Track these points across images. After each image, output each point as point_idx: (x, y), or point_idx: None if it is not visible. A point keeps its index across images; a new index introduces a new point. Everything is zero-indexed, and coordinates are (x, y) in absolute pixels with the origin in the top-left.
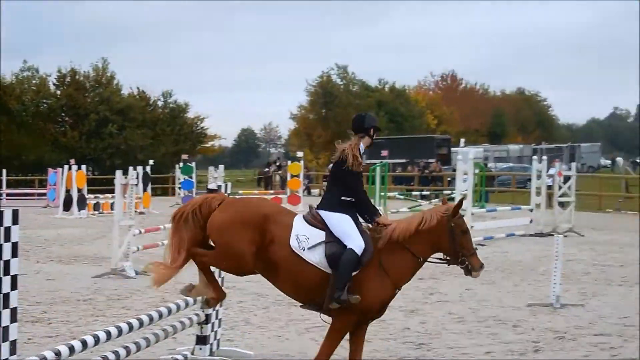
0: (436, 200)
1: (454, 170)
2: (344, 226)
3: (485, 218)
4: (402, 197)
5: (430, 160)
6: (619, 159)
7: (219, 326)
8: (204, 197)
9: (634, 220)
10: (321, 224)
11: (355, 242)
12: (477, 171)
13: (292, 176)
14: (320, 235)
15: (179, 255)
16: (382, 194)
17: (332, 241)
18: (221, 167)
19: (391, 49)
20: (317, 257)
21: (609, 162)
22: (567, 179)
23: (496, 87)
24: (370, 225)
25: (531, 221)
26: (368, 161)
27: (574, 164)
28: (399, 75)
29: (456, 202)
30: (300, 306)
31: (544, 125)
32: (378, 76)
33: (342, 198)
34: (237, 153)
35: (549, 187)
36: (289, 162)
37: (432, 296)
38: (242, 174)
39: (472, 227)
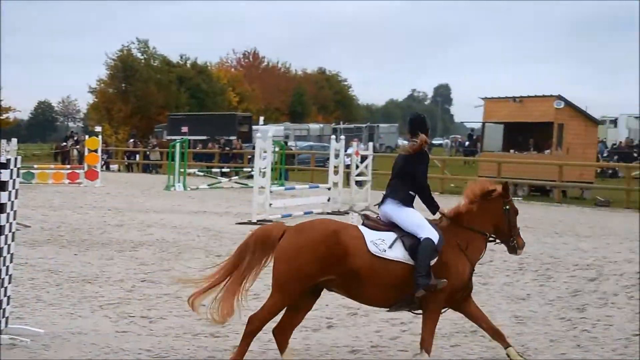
0: (236, 177)
1: (255, 148)
2: (415, 219)
3: (285, 196)
4: (202, 174)
5: (231, 138)
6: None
7: (8, 304)
8: (263, 229)
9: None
10: (385, 226)
11: (429, 231)
12: (276, 149)
13: (90, 151)
14: (391, 234)
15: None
16: (182, 170)
17: (406, 235)
18: (14, 140)
19: (194, 26)
20: (400, 253)
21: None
22: (364, 158)
23: (298, 66)
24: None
25: (329, 199)
26: (168, 137)
27: (371, 144)
28: (201, 53)
29: (494, 186)
30: (388, 310)
31: (344, 105)
32: (180, 52)
33: (410, 192)
34: (34, 126)
35: (347, 166)
36: (87, 136)
37: None
38: (38, 147)
39: (270, 204)
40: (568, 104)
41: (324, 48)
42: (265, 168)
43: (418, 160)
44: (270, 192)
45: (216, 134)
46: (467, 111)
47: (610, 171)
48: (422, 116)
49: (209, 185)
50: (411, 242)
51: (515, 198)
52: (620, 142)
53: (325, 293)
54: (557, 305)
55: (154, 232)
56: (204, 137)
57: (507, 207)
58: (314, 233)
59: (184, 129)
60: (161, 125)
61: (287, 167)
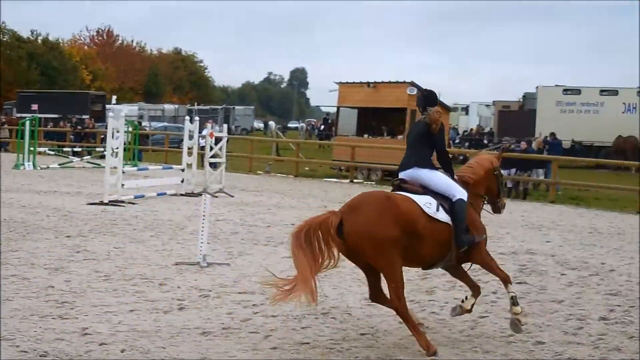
0: (88, 157)
1: (107, 128)
2: (446, 180)
3: (137, 177)
4: (52, 152)
5: (83, 117)
6: (272, 123)
7: None
8: (321, 217)
9: (282, 182)
10: (421, 189)
11: (460, 191)
12: (130, 129)
13: None
14: (430, 197)
15: (303, 283)
16: (32, 149)
17: (440, 196)
18: None
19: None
20: (444, 216)
21: (262, 125)
22: (218, 140)
23: (153, 46)
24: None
25: (182, 181)
26: (18, 115)
27: (225, 126)
28: (52, 29)
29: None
30: (426, 269)
31: (199, 86)
32: (31, 27)
33: (431, 157)
34: None
35: (202, 148)
36: None
37: (79, 254)
38: None
39: (123, 185)
40: (421, 90)
41: (180, 28)
42: (117, 148)
43: (432, 130)
44: (123, 172)
45: (68, 113)
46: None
47: (461, 157)
48: (434, 92)
49: (60, 164)
50: (448, 204)
51: (369, 182)
52: (472, 129)
53: (177, 275)
54: (406, 288)
55: (1, 212)
56: (56, 116)
57: (497, 172)
58: (374, 205)
59: (34, 107)
60: (10, 103)
61: (140, 147)
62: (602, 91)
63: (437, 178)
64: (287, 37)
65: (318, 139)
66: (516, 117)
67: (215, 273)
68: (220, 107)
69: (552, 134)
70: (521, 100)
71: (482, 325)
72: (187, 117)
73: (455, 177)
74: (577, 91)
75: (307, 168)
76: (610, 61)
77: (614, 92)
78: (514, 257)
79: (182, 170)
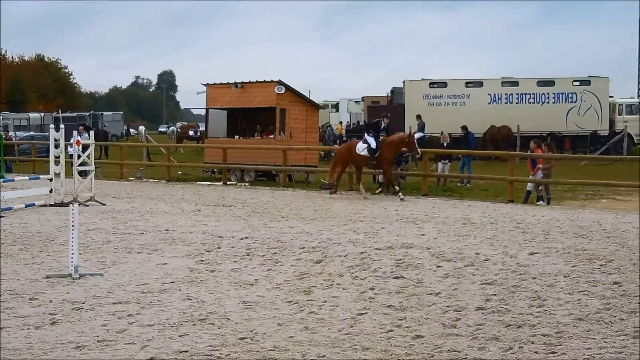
0: None
1: None
2: (371, 139)
3: (5, 188)
4: None
5: None
6: (141, 128)
7: None
8: (346, 145)
9: (154, 187)
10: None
11: (374, 143)
12: None
13: None
14: (364, 145)
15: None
16: None
17: (368, 144)
18: None
19: None
20: (365, 152)
21: (133, 130)
22: (86, 147)
23: (14, 53)
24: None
25: (51, 191)
26: None
27: (92, 132)
28: None
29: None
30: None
31: (66, 93)
32: None
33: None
34: None
35: (71, 156)
36: None
37: None
38: None
39: None
40: (289, 89)
41: (44, 35)
42: None
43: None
44: None
45: None
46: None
47: (334, 154)
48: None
49: None
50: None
51: (242, 184)
52: (348, 125)
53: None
54: (284, 289)
55: None
56: None
57: (408, 139)
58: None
59: None
60: None
61: (7, 158)
62: (468, 83)
63: (369, 138)
64: (154, 39)
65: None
66: (385, 112)
67: (88, 284)
68: (87, 113)
69: (464, 127)
70: (389, 94)
71: (360, 322)
72: (52, 125)
73: (380, 139)
74: (443, 84)
75: (179, 172)
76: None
77: (479, 84)
78: (390, 251)
79: (50, 179)
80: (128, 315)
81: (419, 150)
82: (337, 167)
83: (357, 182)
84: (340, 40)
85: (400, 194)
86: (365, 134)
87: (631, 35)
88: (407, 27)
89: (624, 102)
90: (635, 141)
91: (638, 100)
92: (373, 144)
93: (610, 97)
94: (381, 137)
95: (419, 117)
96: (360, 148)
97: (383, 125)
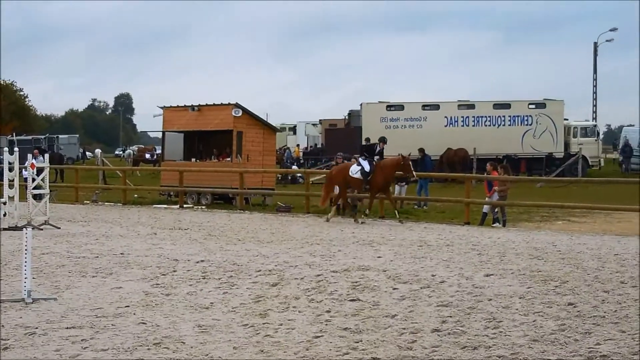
0: None
1: None
2: (365, 163)
3: None
4: None
5: None
6: (98, 151)
7: None
8: (340, 167)
9: (110, 210)
10: (360, 165)
11: (368, 167)
12: None
13: None
14: (358, 168)
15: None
16: None
17: (362, 167)
18: None
19: None
20: (358, 175)
21: (89, 153)
22: (41, 170)
23: None
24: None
25: (5, 214)
26: None
27: (47, 155)
28: None
29: None
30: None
31: (21, 116)
32: None
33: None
34: None
35: (25, 179)
36: None
37: None
38: None
39: None
40: (246, 111)
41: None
42: None
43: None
44: None
45: None
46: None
47: (290, 177)
48: (384, 137)
49: None
50: (362, 171)
51: (199, 207)
52: (305, 148)
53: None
54: (240, 312)
55: None
56: None
57: (403, 163)
58: (341, 166)
59: None
60: None
61: None
62: (425, 106)
63: (363, 162)
64: (110, 61)
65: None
66: (342, 135)
67: (41, 309)
68: (43, 136)
69: (421, 150)
70: (346, 117)
71: (316, 345)
72: (6, 149)
73: (374, 162)
74: (400, 107)
75: (136, 195)
76: (467, 74)
77: (435, 107)
78: (346, 274)
79: (4, 203)
80: (82, 340)
81: (414, 173)
82: (330, 190)
83: (334, 202)
84: (299, 64)
85: (363, 217)
86: (360, 158)
87: (587, 59)
88: (365, 52)
89: (579, 124)
90: (590, 163)
91: (592, 123)
92: (367, 167)
93: (565, 119)
94: (375, 161)
95: (367, 140)
96: (354, 171)
97: (378, 149)
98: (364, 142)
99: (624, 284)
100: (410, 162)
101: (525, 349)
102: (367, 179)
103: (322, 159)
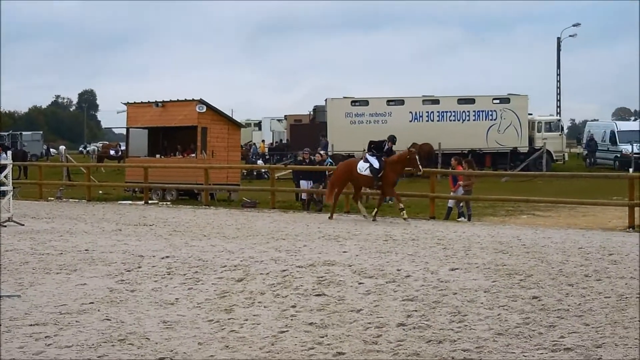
0: None
1: None
2: (374, 160)
3: None
4: None
5: None
6: (62, 147)
7: None
8: (346, 163)
9: (75, 207)
10: (368, 162)
11: (377, 164)
12: None
13: None
14: (366, 165)
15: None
16: None
17: (370, 164)
18: None
19: None
20: (367, 172)
21: (53, 150)
22: (4, 167)
23: None
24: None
25: None
26: None
27: (10, 153)
28: None
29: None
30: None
31: None
32: None
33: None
34: None
35: None
36: None
37: None
38: None
39: None
40: (210, 107)
41: None
42: None
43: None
44: None
45: None
46: (113, 117)
47: (255, 172)
48: (393, 136)
49: None
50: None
51: (164, 203)
52: (271, 143)
53: None
54: (205, 307)
55: None
56: None
57: (410, 156)
58: (346, 163)
59: None
60: None
61: None
62: (389, 101)
63: (371, 158)
64: (74, 57)
65: (118, 161)
66: (307, 130)
67: (4, 306)
68: (6, 133)
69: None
70: (311, 113)
71: (282, 340)
72: None
73: (382, 159)
74: (365, 102)
75: (100, 192)
76: (433, 70)
77: (400, 102)
78: (312, 269)
79: None
80: (45, 337)
81: (420, 167)
82: (335, 187)
83: (355, 201)
84: (263, 62)
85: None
86: (368, 154)
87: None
88: (329, 49)
89: (543, 119)
90: (554, 157)
91: (557, 117)
92: (376, 164)
93: (530, 114)
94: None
95: (323, 136)
96: (362, 168)
97: (386, 147)
98: (331, 140)
99: (588, 277)
100: (416, 157)
101: (490, 343)
102: (378, 176)
103: (288, 155)
